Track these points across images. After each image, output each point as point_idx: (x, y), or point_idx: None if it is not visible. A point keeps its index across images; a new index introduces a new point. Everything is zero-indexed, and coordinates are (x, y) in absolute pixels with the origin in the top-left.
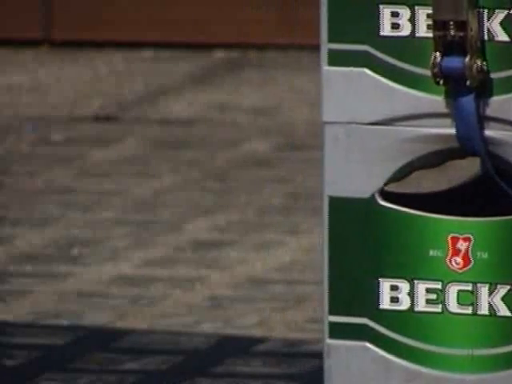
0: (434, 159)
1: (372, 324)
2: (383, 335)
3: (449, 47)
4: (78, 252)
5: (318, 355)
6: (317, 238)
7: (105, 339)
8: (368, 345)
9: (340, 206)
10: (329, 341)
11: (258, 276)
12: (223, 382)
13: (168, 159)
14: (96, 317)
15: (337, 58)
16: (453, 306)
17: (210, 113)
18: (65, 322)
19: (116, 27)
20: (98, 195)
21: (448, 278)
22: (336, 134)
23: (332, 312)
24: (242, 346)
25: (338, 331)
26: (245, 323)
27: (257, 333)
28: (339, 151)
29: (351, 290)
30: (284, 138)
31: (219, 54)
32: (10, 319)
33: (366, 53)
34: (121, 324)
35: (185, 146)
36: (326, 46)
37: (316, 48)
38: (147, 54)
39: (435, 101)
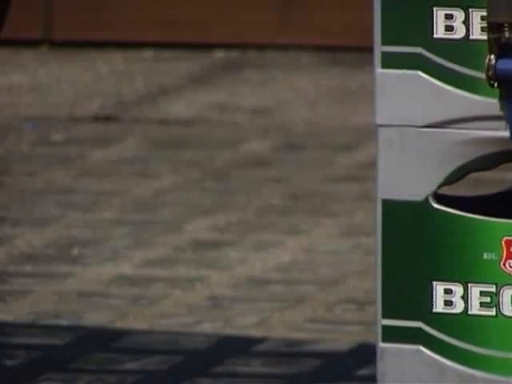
0: (488, 162)
1: (426, 327)
2: (437, 339)
3: (503, 49)
4: (78, 252)
5: (318, 355)
6: (316, 238)
7: (105, 339)
8: (422, 348)
9: (393, 209)
10: (382, 344)
11: (258, 276)
12: (223, 382)
13: (168, 159)
14: (96, 317)
15: (390, 61)
16: (507, 309)
17: (210, 113)
18: (65, 322)
19: (116, 27)
20: (97, 195)
21: (502, 281)
22: (389, 137)
23: (385, 315)
24: (242, 346)
25: (391, 335)
26: (245, 323)
27: (256, 333)
28: (392, 154)
29: (404, 294)
30: (284, 138)
31: (219, 54)
32: (10, 319)
33: (420, 55)
34: (121, 324)
35: (185, 146)
36: (379, 49)
37: (316, 48)
38: (147, 53)
39: (489, 103)
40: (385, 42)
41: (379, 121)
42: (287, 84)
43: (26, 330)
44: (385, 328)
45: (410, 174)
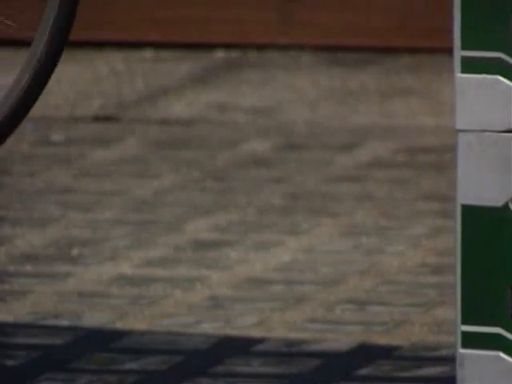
0: None
1: (505, 333)
2: None
3: None
4: (78, 252)
5: (318, 355)
6: (317, 238)
7: (105, 339)
8: (501, 355)
9: (473, 215)
10: (462, 350)
11: (258, 276)
12: (223, 382)
13: (168, 159)
14: (96, 317)
15: (470, 65)
16: None
17: (210, 113)
18: (65, 322)
19: (116, 27)
20: (98, 195)
21: None
22: (469, 142)
23: (464, 321)
24: (242, 346)
25: (470, 341)
26: (245, 323)
27: (256, 333)
28: (472, 159)
29: (484, 299)
30: (284, 138)
31: (219, 54)
32: (10, 319)
33: (500, 60)
34: (121, 324)
35: (185, 146)
36: (459, 53)
37: (316, 48)
38: (147, 53)
39: None
40: (464, 47)
41: (459, 126)
42: (287, 84)
43: (26, 330)
44: (464, 334)
45: (489, 179)
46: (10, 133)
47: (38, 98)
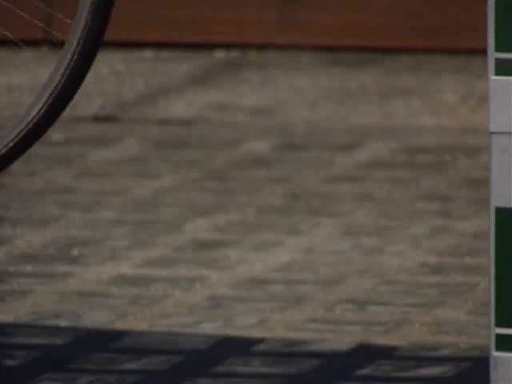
0: None
1: None
2: None
3: None
4: (78, 252)
5: (318, 355)
6: (316, 238)
7: (105, 339)
8: None
9: (507, 217)
10: (495, 353)
11: (258, 276)
12: (223, 382)
13: (168, 159)
14: (96, 317)
15: (504, 68)
16: None
17: (210, 113)
18: (65, 322)
19: (116, 27)
20: (98, 195)
21: None
22: (503, 145)
23: (499, 324)
24: (242, 346)
25: (504, 343)
26: (245, 323)
27: (256, 333)
28: (506, 162)
29: None
30: (283, 138)
31: (219, 54)
32: (10, 319)
33: None
34: (121, 324)
35: (185, 146)
36: (492, 56)
37: (316, 48)
38: (147, 53)
39: None
40: (498, 49)
41: (493, 128)
42: (287, 84)
43: (26, 330)
44: (498, 337)
45: None
46: (45, 131)
47: (73, 99)
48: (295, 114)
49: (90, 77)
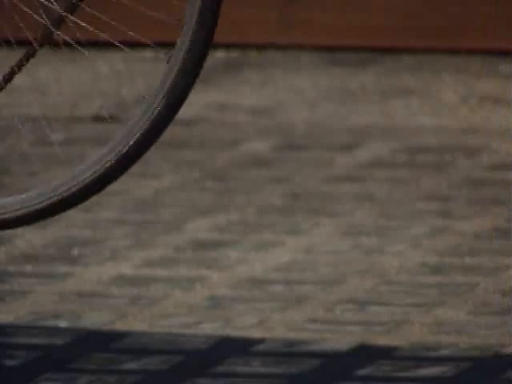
0: None
1: None
2: None
3: None
4: (78, 252)
5: (318, 355)
6: (316, 238)
7: (105, 339)
8: None
9: None
10: None
11: (258, 276)
12: (223, 382)
13: (168, 159)
14: (96, 317)
15: None
16: None
17: (210, 113)
18: (65, 323)
19: (116, 27)
20: (98, 195)
21: None
22: None
23: None
24: (242, 346)
25: None
26: (245, 323)
27: (256, 333)
28: None
29: None
30: (284, 138)
31: (219, 54)
32: (10, 319)
33: None
34: (121, 324)
35: (185, 146)
36: None
37: (316, 48)
38: (147, 53)
39: None
40: None
41: None
42: (287, 84)
43: (25, 330)
44: None
45: None
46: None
47: (186, 100)
48: (295, 114)
49: (89, 77)
